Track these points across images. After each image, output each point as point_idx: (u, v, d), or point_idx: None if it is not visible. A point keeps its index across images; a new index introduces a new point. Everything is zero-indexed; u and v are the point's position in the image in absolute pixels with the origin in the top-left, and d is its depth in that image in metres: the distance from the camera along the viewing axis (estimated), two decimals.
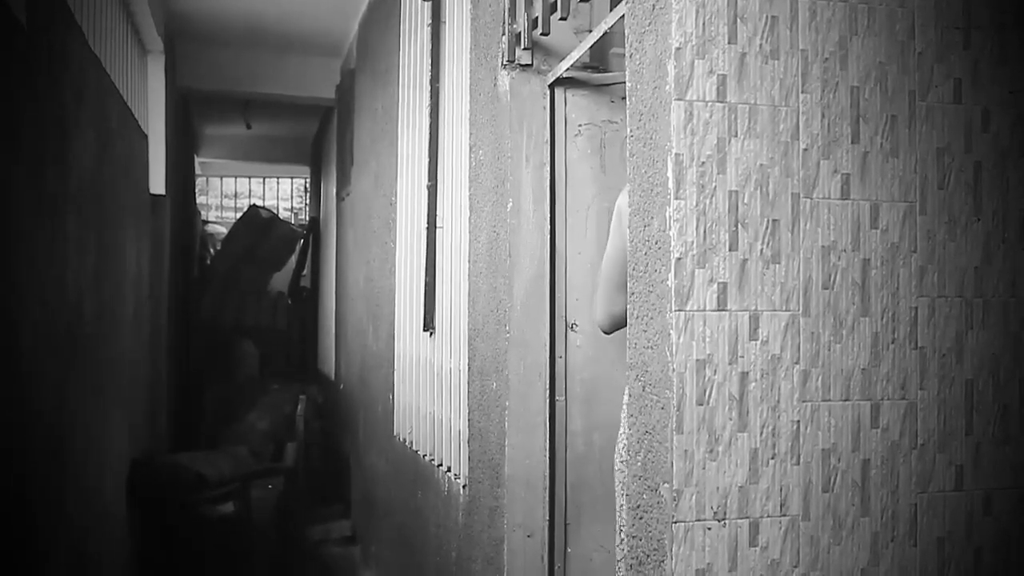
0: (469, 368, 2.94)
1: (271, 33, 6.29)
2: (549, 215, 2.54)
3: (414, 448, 3.77)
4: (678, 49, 1.57)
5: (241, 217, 9.30)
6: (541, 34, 2.42)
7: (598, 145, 2.56)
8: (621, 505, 1.89)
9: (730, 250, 1.58)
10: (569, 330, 2.53)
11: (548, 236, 2.54)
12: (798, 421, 1.60)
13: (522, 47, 2.51)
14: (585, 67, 2.54)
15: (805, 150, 1.62)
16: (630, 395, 1.73)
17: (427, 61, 3.54)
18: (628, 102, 1.74)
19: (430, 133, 3.46)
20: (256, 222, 8.94)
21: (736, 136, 1.59)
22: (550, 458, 2.52)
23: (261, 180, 12.65)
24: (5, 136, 2.57)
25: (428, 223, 3.49)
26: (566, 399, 2.52)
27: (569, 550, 2.51)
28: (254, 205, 9.67)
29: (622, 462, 1.91)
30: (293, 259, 9.23)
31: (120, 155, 4.52)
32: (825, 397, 1.62)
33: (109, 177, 4.17)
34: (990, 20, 1.72)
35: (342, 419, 6.50)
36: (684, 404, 1.55)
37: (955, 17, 1.71)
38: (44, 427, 3.07)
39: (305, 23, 6.07)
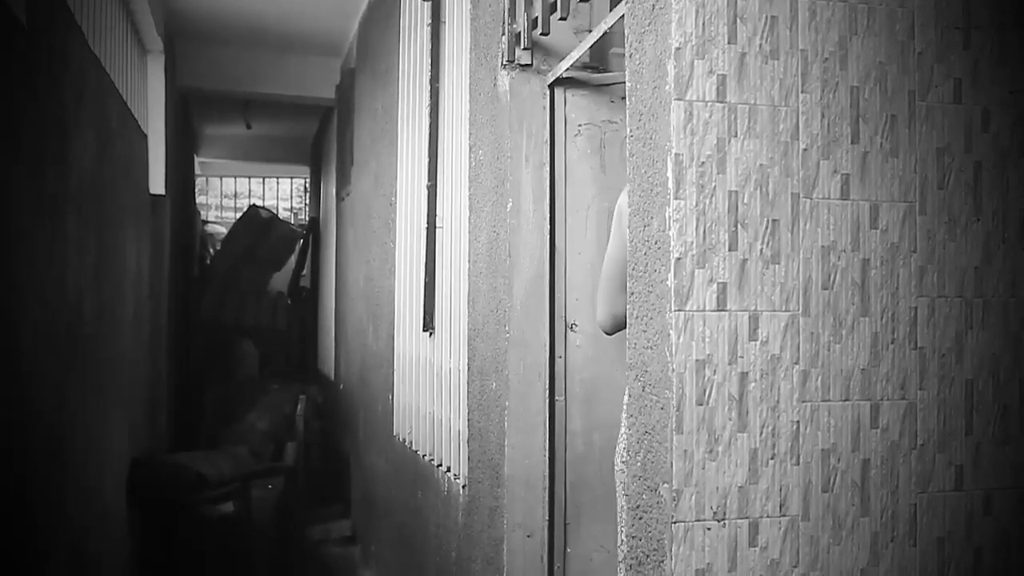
0: (469, 368, 2.94)
1: (271, 33, 6.30)
2: (549, 215, 2.54)
3: (414, 448, 3.77)
4: (678, 49, 1.57)
5: (241, 217, 9.30)
6: (541, 34, 2.42)
7: (598, 145, 2.56)
8: (622, 506, 1.89)
9: (730, 250, 1.58)
10: (569, 330, 2.53)
11: (548, 236, 2.54)
12: (798, 421, 1.60)
13: (522, 47, 2.51)
14: (585, 67, 2.54)
15: (805, 150, 1.62)
16: (630, 395, 1.73)
17: (427, 61, 3.54)
18: (628, 102, 1.74)
19: (430, 133, 3.46)
20: (256, 222, 8.94)
21: (736, 136, 1.59)
22: (550, 458, 2.52)
23: (261, 180, 12.65)
24: (5, 136, 2.57)
25: (428, 223, 3.49)
26: (566, 399, 2.52)
27: (569, 550, 2.51)
28: (254, 205, 9.67)
29: (622, 462, 1.91)
30: (293, 259, 9.23)
31: (120, 155, 4.52)
32: (825, 397, 1.62)
33: (109, 177, 4.17)
34: (990, 20, 1.72)
35: (342, 419, 6.50)
36: (684, 404, 1.55)
37: (955, 17, 1.71)
38: (44, 427, 3.07)
39: (305, 23, 6.07)
